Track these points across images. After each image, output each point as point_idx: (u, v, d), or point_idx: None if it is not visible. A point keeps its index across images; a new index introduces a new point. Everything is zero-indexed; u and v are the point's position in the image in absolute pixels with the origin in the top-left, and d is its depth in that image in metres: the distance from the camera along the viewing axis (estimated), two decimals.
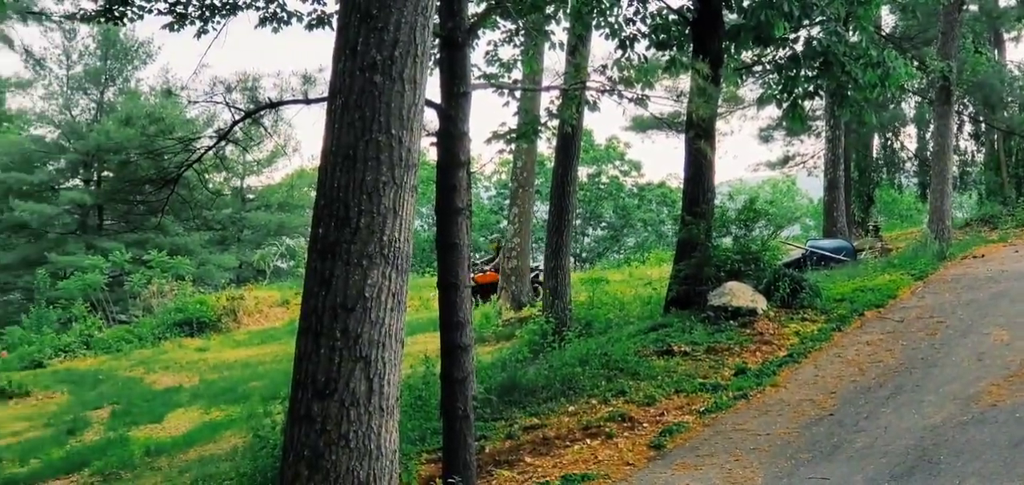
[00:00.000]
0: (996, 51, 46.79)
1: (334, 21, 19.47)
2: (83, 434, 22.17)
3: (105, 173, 64.02)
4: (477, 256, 36.04)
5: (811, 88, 21.84)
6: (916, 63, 27.40)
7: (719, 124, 22.22)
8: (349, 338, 8.54)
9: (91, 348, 36.19)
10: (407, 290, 9.00)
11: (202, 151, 15.82)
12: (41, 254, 57.76)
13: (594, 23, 21.49)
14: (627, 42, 21.41)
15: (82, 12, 21.67)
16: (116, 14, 20.86)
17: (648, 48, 21.93)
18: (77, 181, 65.91)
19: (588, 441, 12.28)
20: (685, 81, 20.36)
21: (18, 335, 39.87)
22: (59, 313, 43.65)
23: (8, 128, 65.47)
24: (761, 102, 25.67)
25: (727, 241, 21.30)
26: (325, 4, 20.66)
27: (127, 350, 35.62)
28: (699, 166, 21.10)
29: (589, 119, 49.66)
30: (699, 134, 20.20)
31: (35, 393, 28.57)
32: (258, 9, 20.74)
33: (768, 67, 23.72)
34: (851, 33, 20.87)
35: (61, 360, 34.87)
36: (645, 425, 12.95)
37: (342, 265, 8.56)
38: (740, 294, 19.25)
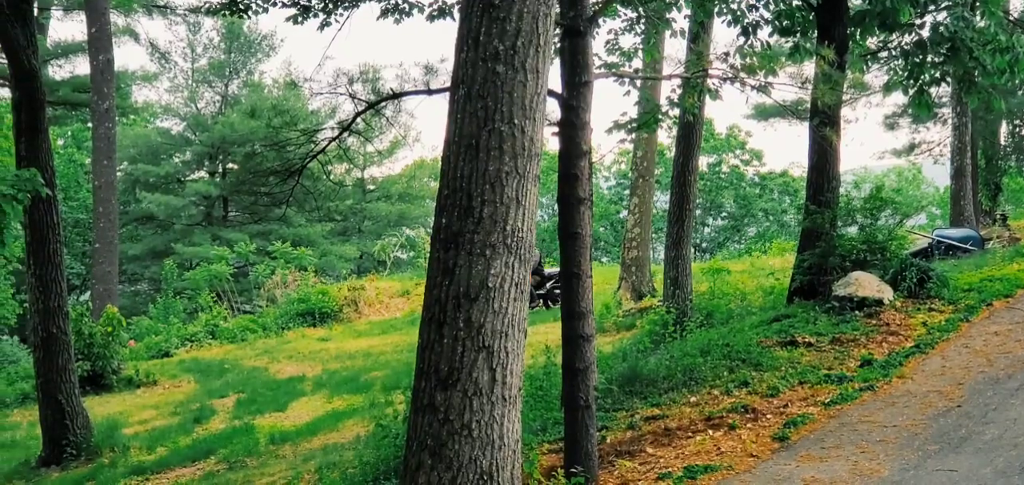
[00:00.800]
0: None
1: (456, 11, 19.59)
2: (209, 422, 22.53)
3: (230, 165, 65.07)
4: None
5: (937, 74, 21.42)
6: None
7: (844, 111, 21.84)
8: (472, 328, 8.54)
9: (216, 338, 36.80)
10: (529, 280, 8.98)
11: (325, 143, 15.99)
12: (168, 245, 58.88)
13: (716, 10, 21.29)
14: (750, 29, 21.16)
15: (207, 5, 22.00)
16: (240, 7, 21.16)
17: (771, 35, 21.67)
18: (202, 173, 67.09)
19: (710, 432, 12.17)
20: (809, 68, 20.04)
21: (146, 325, 40.67)
22: (185, 303, 44.47)
23: (135, 120, 66.84)
24: (887, 89, 25.19)
25: (852, 230, 20.95)
26: None
27: (251, 340, 36.15)
28: (824, 154, 20.78)
29: (710, 108, 49.31)
30: (824, 121, 19.89)
31: (162, 382, 29.10)
32: (380, 1, 20.87)
33: (894, 53, 23.29)
34: (979, 18, 20.39)
35: (187, 349, 35.50)
36: (768, 416, 12.80)
37: (465, 255, 8.56)
38: (866, 284, 18.94)
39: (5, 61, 23.97)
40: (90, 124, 46.92)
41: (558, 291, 30.03)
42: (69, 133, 64.47)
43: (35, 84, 20.47)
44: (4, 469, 20.45)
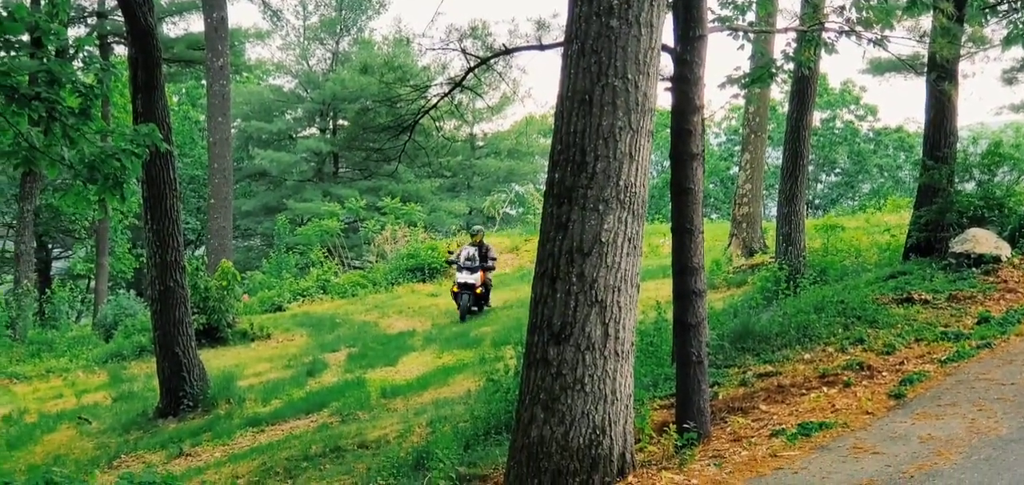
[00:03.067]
0: None
1: None
2: (321, 376, 22.81)
3: (340, 121, 65.64)
4: (452, 255, 30.55)
5: None
6: None
7: (961, 65, 21.35)
8: (585, 282, 8.54)
9: (327, 293, 37.23)
10: (643, 235, 8.95)
11: (436, 99, 16.04)
12: (280, 201, 59.66)
13: None
14: None
15: None
16: None
17: None
18: (314, 130, 67.82)
19: (825, 389, 12.02)
20: (926, 21, 19.61)
21: (259, 280, 41.30)
22: (297, 259, 45.05)
23: (248, 78, 67.71)
24: (1006, 43, 24.60)
25: (969, 187, 20.55)
26: None
27: (361, 295, 36.51)
28: (941, 109, 20.38)
29: (824, 62, 48.68)
30: (941, 76, 19.49)
31: (276, 336, 29.53)
32: None
33: (1014, 5, 22.75)
34: None
35: (299, 304, 35.98)
36: (884, 374, 12.61)
37: (578, 209, 8.56)
38: (983, 241, 18.58)
39: (122, 19, 24.34)
40: (204, 82, 47.67)
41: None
42: (184, 90, 65.56)
43: (151, 42, 20.79)
44: (123, 420, 20.90)
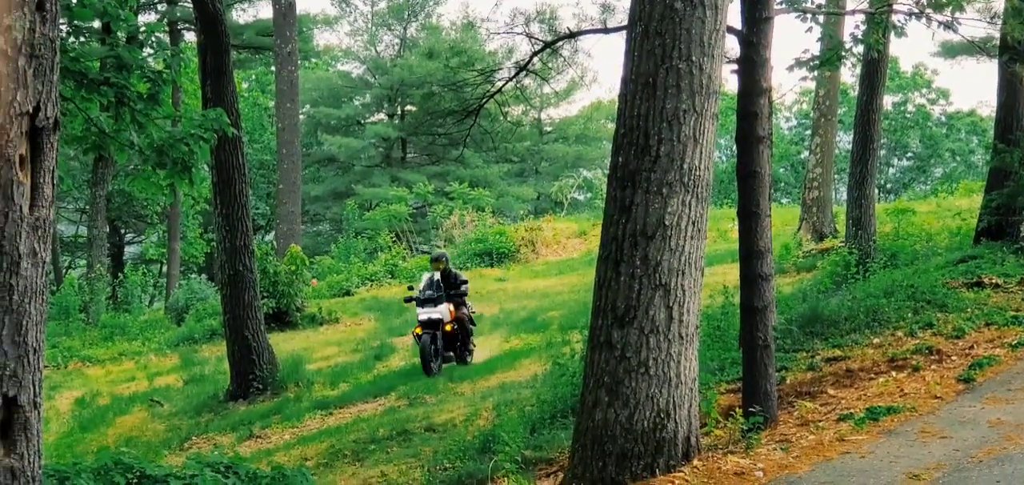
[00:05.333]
0: None
1: None
2: (389, 360, 22.90)
3: (408, 107, 65.79)
4: (412, 290, 23.24)
5: None
6: None
7: None
8: (649, 266, 8.51)
9: (395, 277, 37.34)
10: (707, 219, 8.90)
11: (502, 83, 16.04)
12: (348, 186, 59.93)
13: None
14: None
15: None
16: None
17: None
18: (382, 115, 68.04)
19: (894, 373, 11.91)
20: (999, 2, 19.37)
21: (327, 264, 41.53)
22: (365, 243, 45.22)
23: (316, 64, 68.05)
24: None
25: None
26: None
27: None
28: (1013, 92, 20.10)
29: (894, 46, 47.81)
30: (1013, 58, 19.19)
31: (344, 320, 29.68)
32: None
33: None
34: None
35: (367, 289, 36.12)
36: (953, 358, 12.48)
37: (642, 193, 8.52)
38: None
39: (191, 6, 24.54)
40: (273, 67, 47.91)
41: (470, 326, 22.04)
42: (253, 76, 65.96)
43: (220, 28, 20.95)
44: (194, 402, 21.13)
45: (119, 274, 47.12)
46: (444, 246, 42.64)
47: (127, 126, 13.54)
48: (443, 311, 21.04)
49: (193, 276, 44.99)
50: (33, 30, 4.41)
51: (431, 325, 20.83)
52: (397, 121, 66.32)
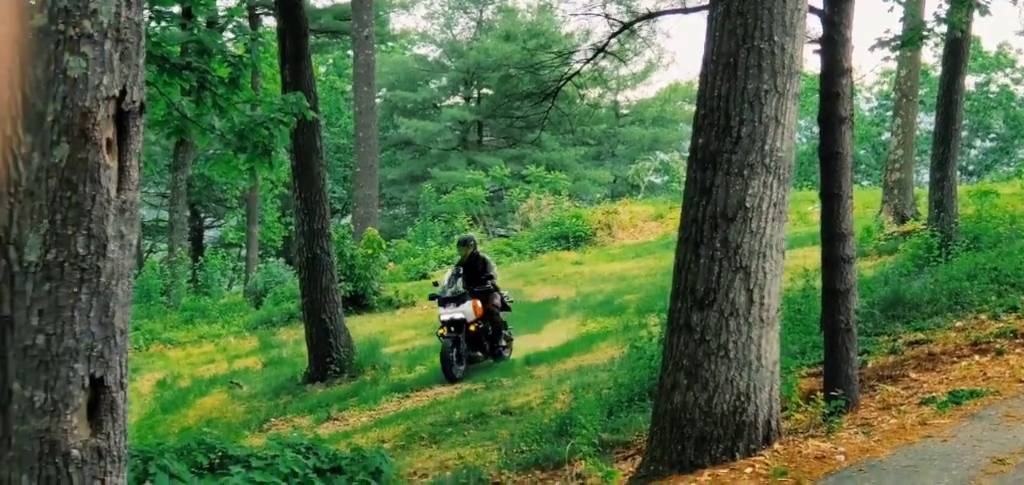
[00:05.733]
0: None
1: None
2: None
3: (484, 90, 65.84)
4: (437, 287, 21.33)
5: None
6: None
7: None
8: (729, 248, 8.44)
9: None
10: (788, 201, 8.82)
11: (579, 65, 16.00)
12: (424, 170, 60.10)
13: None
14: None
15: None
16: None
17: None
18: (458, 98, 68.14)
19: (977, 357, 11.75)
20: None
21: (404, 248, 41.68)
22: (442, 227, 45.34)
23: (393, 47, 68.24)
24: None
25: None
26: None
27: (506, 262, 36.60)
28: None
29: (977, 25, 47.10)
30: None
31: (420, 303, 29.77)
32: None
33: None
34: None
35: (444, 272, 36.19)
36: None
37: (722, 175, 8.46)
38: None
39: None
40: (350, 51, 48.12)
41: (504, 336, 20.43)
42: (330, 60, 66.28)
43: (298, 12, 21.07)
44: (273, 384, 21.31)
45: (199, 258, 47.63)
46: (520, 229, 42.68)
47: (208, 110, 13.67)
48: (466, 310, 19.40)
49: (271, 260, 45.32)
50: (119, 14, 4.45)
51: (454, 326, 19.28)
52: (473, 104, 66.39)
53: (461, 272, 20.38)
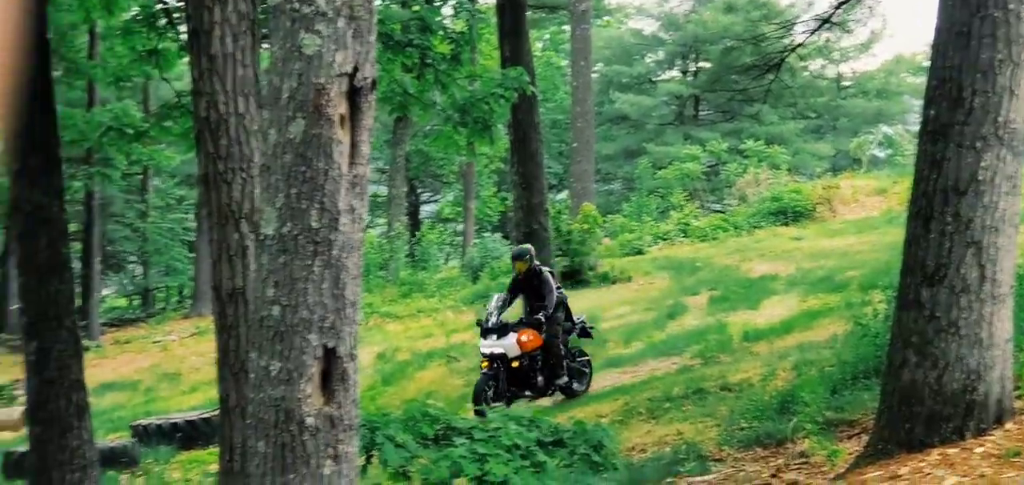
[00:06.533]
0: None
1: None
2: (682, 318, 22.87)
3: (701, 64, 65.30)
4: (490, 306, 17.46)
5: None
6: None
7: None
8: (960, 223, 8.20)
9: (688, 236, 37.24)
10: (1021, 174, 8.52)
11: (803, 36, 15.73)
12: (640, 144, 59.97)
13: None
14: None
15: None
16: None
17: None
18: (674, 72, 67.74)
19: None
20: None
21: (619, 223, 41.70)
22: (658, 202, 45.23)
23: (609, 22, 68.26)
24: None
25: None
26: None
27: (722, 238, 36.36)
28: None
29: None
30: None
31: (636, 278, 29.77)
32: None
33: None
34: None
35: (659, 247, 36.14)
36: None
37: (954, 147, 8.21)
38: None
39: None
40: (566, 27, 48.28)
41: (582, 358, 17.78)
42: (546, 36, 66.66)
43: None
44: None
45: (416, 232, 48.52)
46: (737, 204, 42.25)
47: (430, 86, 13.90)
48: (509, 344, 16.55)
49: (487, 234, 45.89)
50: None
51: (494, 361, 16.53)
52: (690, 78, 65.92)
53: (516, 292, 17.73)
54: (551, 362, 16.82)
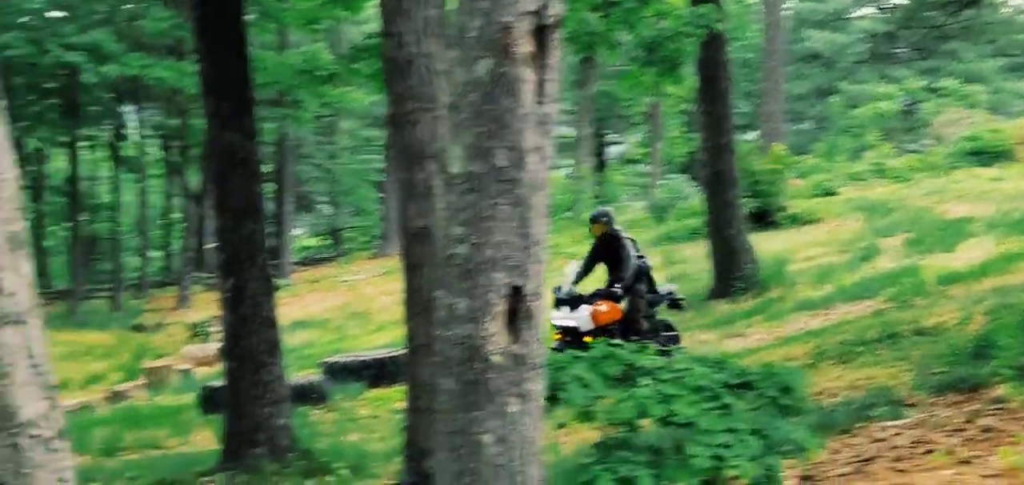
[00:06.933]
0: None
1: None
2: (875, 261, 22.41)
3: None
4: (565, 278, 15.57)
5: None
6: None
7: None
8: None
9: (882, 176, 36.44)
10: None
11: None
12: (832, 83, 58.78)
13: None
14: None
15: None
16: None
17: None
18: (869, 9, 66.11)
19: None
20: None
21: (810, 164, 41.04)
22: (851, 142, 44.36)
23: None
24: None
25: None
26: None
27: (917, 179, 35.50)
28: None
29: None
30: None
31: (827, 220, 29.28)
32: None
33: None
34: None
35: (852, 189, 35.45)
36: None
37: None
38: None
39: None
40: None
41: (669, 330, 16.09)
42: None
43: None
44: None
45: (602, 173, 48.47)
46: (934, 144, 41.17)
47: (617, 25, 13.81)
48: (581, 317, 15.02)
49: (673, 176, 45.61)
50: None
51: (567, 333, 14.96)
52: (885, 14, 64.25)
53: (594, 260, 16.00)
54: (631, 338, 14.02)
